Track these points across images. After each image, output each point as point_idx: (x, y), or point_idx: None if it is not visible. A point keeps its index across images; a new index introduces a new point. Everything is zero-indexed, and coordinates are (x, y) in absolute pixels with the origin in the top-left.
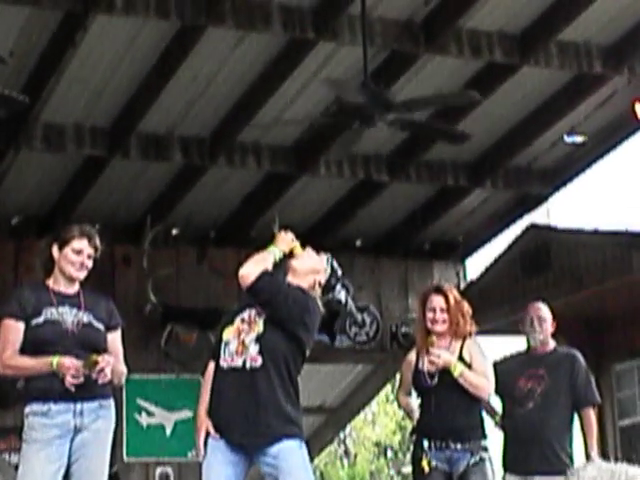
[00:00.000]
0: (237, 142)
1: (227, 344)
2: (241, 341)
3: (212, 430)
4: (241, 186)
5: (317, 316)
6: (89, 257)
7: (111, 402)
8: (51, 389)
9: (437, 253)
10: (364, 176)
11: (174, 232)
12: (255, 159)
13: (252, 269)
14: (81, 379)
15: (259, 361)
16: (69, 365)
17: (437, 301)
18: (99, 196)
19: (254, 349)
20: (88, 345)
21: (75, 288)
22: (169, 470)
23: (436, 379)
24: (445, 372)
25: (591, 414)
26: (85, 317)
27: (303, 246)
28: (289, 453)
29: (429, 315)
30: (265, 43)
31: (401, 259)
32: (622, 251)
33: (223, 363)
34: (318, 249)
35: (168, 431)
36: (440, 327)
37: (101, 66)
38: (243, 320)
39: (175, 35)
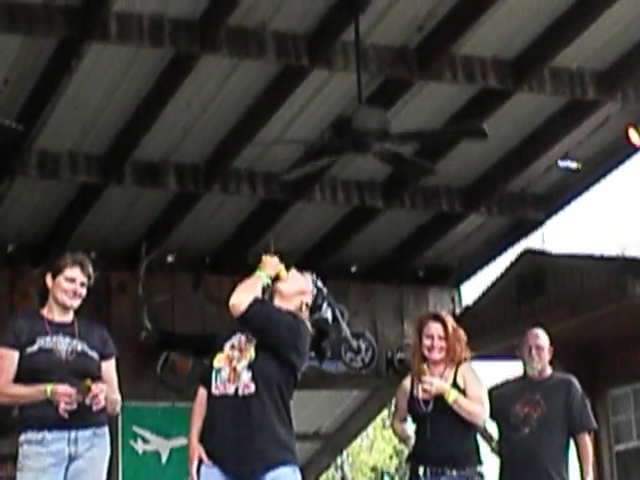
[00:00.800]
0: (232, 169)
1: (218, 371)
2: (233, 368)
3: (205, 457)
4: (236, 213)
5: (308, 339)
6: (82, 285)
7: (106, 430)
8: (45, 417)
9: (432, 279)
10: (359, 202)
11: (169, 259)
12: (250, 186)
13: (243, 297)
14: (74, 406)
15: (252, 388)
16: (63, 392)
17: (435, 328)
18: (94, 223)
19: (247, 376)
20: (82, 373)
21: (70, 317)
22: None
23: (431, 406)
24: (440, 399)
25: (587, 440)
26: (79, 346)
27: (287, 268)
28: None
29: (427, 342)
30: (259, 70)
31: (396, 285)
32: (617, 276)
33: (215, 390)
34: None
35: (164, 458)
36: (437, 355)
37: (96, 94)
38: (233, 346)
39: (169, 63)
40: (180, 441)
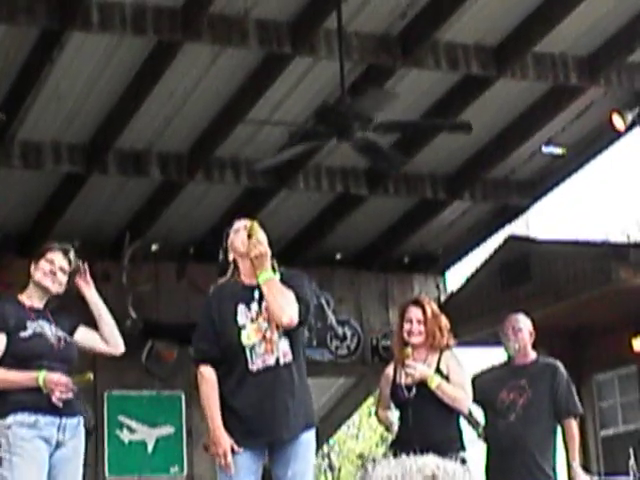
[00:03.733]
0: (215, 157)
1: (252, 348)
2: (268, 340)
3: (235, 447)
4: (220, 201)
5: None
6: (62, 270)
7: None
8: (40, 401)
9: (417, 266)
10: (343, 190)
11: (153, 248)
12: (233, 174)
13: (291, 310)
14: (70, 395)
15: (289, 355)
16: (58, 381)
17: (414, 313)
18: (78, 213)
19: (285, 344)
20: (68, 361)
21: (43, 303)
22: None
23: (414, 392)
24: (422, 385)
25: (573, 425)
26: (60, 332)
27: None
28: (307, 449)
29: (406, 326)
30: (242, 58)
31: (381, 272)
32: (601, 262)
33: (252, 367)
34: (297, 263)
35: (150, 447)
36: (416, 339)
37: (78, 83)
38: (254, 319)
39: (152, 51)
40: (166, 430)
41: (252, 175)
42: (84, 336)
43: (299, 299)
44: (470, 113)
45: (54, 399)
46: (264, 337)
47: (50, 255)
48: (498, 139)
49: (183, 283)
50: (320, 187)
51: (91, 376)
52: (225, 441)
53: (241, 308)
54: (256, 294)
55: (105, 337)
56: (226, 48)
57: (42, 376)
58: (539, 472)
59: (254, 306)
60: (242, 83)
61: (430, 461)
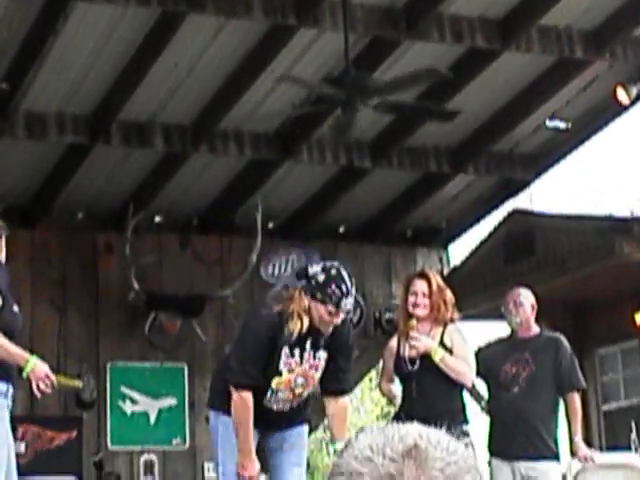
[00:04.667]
0: (219, 129)
1: (276, 392)
2: (293, 393)
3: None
4: (223, 173)
5: None
6: None
7: None
8: (13, 370)
9: (420, 239)
10: (346, 162)
11: (157, 219)
12: (237, 146)
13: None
14: (49, 391)
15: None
16: (47, 374)
17: (420, 285)
18: (81, 184)
19: (306, 394)
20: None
21: None
22: (154, 458)
23: (417, 364)
24: (426, 357)
25: (576, 399)
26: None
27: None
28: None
29: (411, 299)
30: (246, 30)
31: (384, 245)
32: (605, 235)
33: (268, 404)
34: (300, 236)
35: (152, 419)
36: (421, 311)
37: (82, 53)
38: (292, 371)
39: (156, 22)
40: (168, 401)
41: (256, 147)
42: None
43: None
44: (474, 86)
45: (35, 388)
46: (292, 391)
47: None
48: (502, 113)
49: (187, 254)
50: (324, 160)
51: (80, 385)
52: (254, 467)
53: (285, 351)
54: (307, 344)
55: None
56: (230, 19)
57: (34, 361)
58: (541, 444)
59: (297, 353)
60: (246, 55)
61: (413, 429)
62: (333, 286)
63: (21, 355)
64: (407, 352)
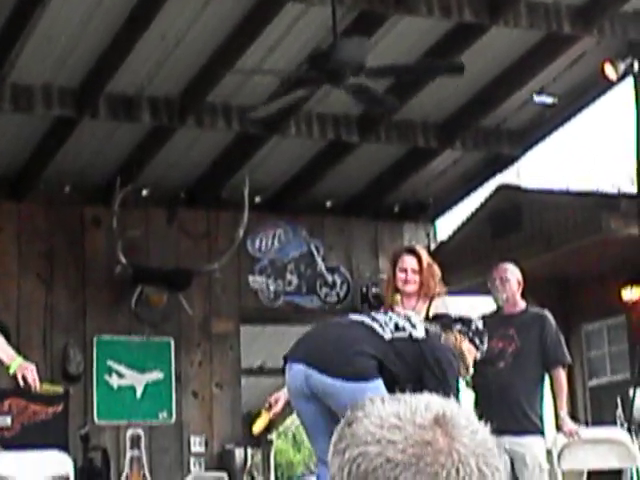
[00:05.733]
0: (206, 103)
1: None
2: None
3: None
4: (211, 147)
5: None
6: None
7: None
8: None
9: (407, 214)
10: (334, 137)
11: (144, 193)
12: (225, 120)
13: None
14: (36, 385)
15: None
16: (33, 370)
17: (410, 262)
18: (68, 157)
19: None
20: None
21: None
22: (140, 432)
23: None
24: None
25: (561, 374)
26: None
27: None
28: None
29: (401, 275)
30: (234, 2)
31: (371, 220)
32: (592, 211)
33: None
34: (287, 210)
35: (139, 393)
36: (411, 287)
37: (69, 26)
38: None
39: None
40: (155, 375)
41: (243, 121)
42: None
43: None
44: (462, 61)
45: (21, 381)
46: None
47: None
48: (490, 88)
49: (173, 228)
50: (311, 134)
51: (61, 390)
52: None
53: None
54: None
55: None
56: None
57: (20, 359)
58: (525, 419)
59: None
60: (234, 28)
61: (434, 399)
62: None
63: (8, 351)
64: None
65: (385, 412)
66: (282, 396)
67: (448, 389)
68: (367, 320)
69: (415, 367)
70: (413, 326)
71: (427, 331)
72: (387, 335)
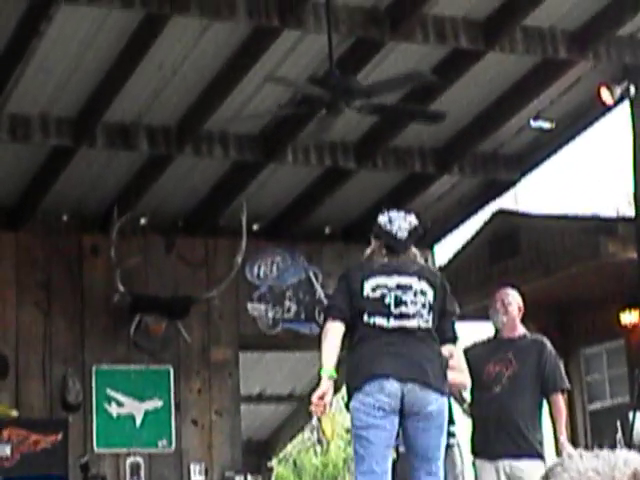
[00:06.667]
0: (204, 131)
1: None
2: None
3: None
4: (208, 175)
5: None
6: None
7: None
8: None
9: None
10: (331, 163)
11: (142, 221)
12: (222, 148)
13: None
14: None
15: None
16: None
17: None
18: (66, 186)
19: None
20: None
21: None
22: (140, 460)
23: None
24: None
25: (560, 400)
26: None
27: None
28: None
29: None
30: (230, 31)
31: (370, 246)
32: (590, 236)
33: None
34: (285, 237)
35: (138, 421)
36: None
37: (66, 56)
38: None
39: (140, 24)
40: (154, 403)
41: (240, 149)
42: None
43: None
44: (458, 87)
45: None
46: None
47: None
48: (486, 113)
49: (172, 257)
50: (308, 161)
51: (15, 414)
52: None
53: None
54: None
55: None
56: (214, 21)
57: None
58: (524, 443)
59: None
60: (230, 57)
61: (630, 455)
62: None
63: None
64: None
65: (584, 467)
66: (327, 388)
67: None
68: None
69: None
70: None
71: None
72: None
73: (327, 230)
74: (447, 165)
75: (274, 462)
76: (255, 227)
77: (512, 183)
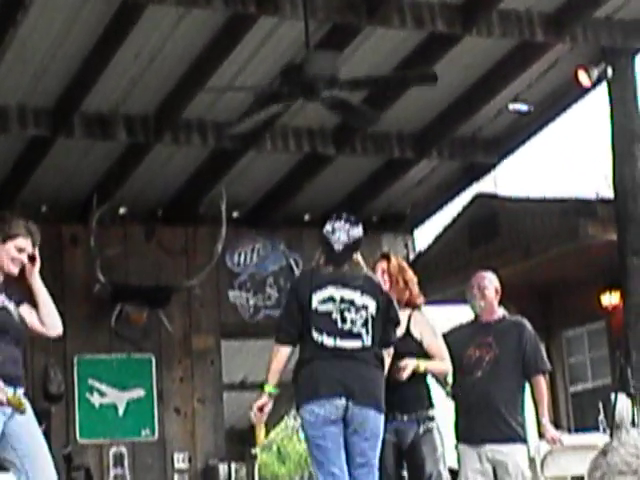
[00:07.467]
0: (182, 119)
1: None
2: None
3: None
4: (187, 163)
5: None
6: (27, 255)
7: None
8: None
9: (385, 225)
10: (310, 150)
11: (121, 211)
12: (200, 136)
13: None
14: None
15: None
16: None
17: (379, 264)
18: (45, 176)
19: None
20: (22, 339)
21: (2, 277)
22: (123, 450)
23: None
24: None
25: (542, 381)
26: (10, 306)
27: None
28: None
29: None
30: (206, 19)
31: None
32: (570, 218)
33: None
34: (265, 224)
35: (121, 411)
36: None
37: (43, 46)
38: None
39: (116, 12)
40: (136, 393)
41: (219, 137)
42: (26, 313)
43: None
44: (436, 71)
45: None
46: None
47: (22, 243)
48: (464, 97)
49: (152, 245)
50: (287, 147)
51: (24, 409)
52: None
53: None
54: None
55: (43, 318)
56: (191, 9)
57: None
58: (506, 427)
59: None
60: (207, 44)
61: None
62: None
63: None
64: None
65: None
66: (267, 401)
67: None
68: None
69: None
70: None
71: None
72: None
73: (307, 217)
74: (426, 150)
75: (258, 449)
76: (235, 215)
77: (491, 166)
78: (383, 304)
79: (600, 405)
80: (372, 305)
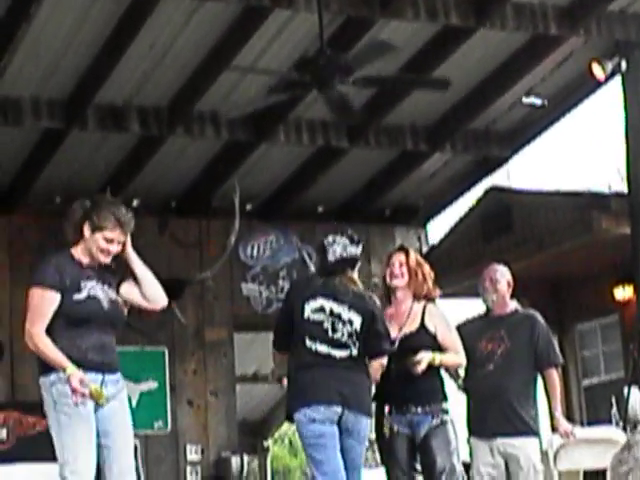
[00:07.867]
0: (195, 111)
1: None
2: None
3: None
4: (200, 155)
5: None
6: (119, 244)
7: None
8: (82, 359)
9: (398, 218)
10: (323, 142)
11: (135, 203)
12: (214, 128)
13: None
14: (86, 400)
15: None
16: (75, 387)
17: (397, 257)
18: (58, 168)
19: None
20: (117, 322)
21: (95, 262)
22: (136, 442)
23: (396, 345)
24: (405, 339)
25: (554, 375)
26: (110, 292)
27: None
28: None
29: (388, 270)
30: (220, 11)
31: (363, 225)
32: (583, 212)
33: None
34: (278, 217)
35: (134, 402)
36: (398, 281)
37: (56, 38)
38: None
39: (130, 5)
40: (149, 384)
41: (232, 129)
42: (127, 291)
43: None
44: (449, 64)
45: (72, 398)
46: None
47: (110, 234)
48: (478, 90)
49: (165, 238)
50: (301, 140)
51: (103, 401)
52: None
53: None
54: None
55: (144, 293)
56: (204, 1)
57: (68, 371)
58: (518, 420)
59: None
60: (221, 36)
61: None
62: None
63: (60, 361)
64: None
65: None
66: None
67: None
68: None
69: None
70: None
71: None
72: None
73: (320, 209)
74: (439, 143)
75: (270, 442)
76: (248, 207)
77: (504, 160)
78: (368, 320)
79: (613, 399)
80: (357, 321)
